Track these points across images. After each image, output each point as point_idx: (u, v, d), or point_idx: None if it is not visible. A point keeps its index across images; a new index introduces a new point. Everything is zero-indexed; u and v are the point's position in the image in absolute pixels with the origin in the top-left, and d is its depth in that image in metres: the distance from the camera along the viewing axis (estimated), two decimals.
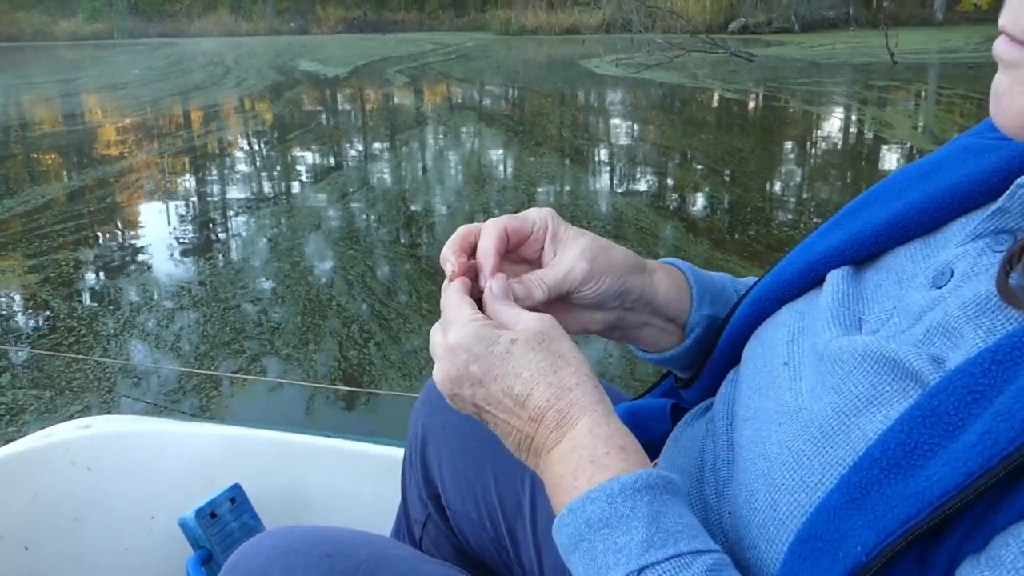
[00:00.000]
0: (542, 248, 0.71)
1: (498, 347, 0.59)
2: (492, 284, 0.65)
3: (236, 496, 1.31)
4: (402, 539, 1.07)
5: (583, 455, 0.55)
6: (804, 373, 0.58)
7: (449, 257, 0.67)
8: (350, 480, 1.36)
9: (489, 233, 0.68)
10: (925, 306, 0.54)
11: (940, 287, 0.55)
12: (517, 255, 0.71)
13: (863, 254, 0.64)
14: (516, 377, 0.58)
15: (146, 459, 1.35)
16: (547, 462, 0.57)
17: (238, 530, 1.28)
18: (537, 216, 0.70)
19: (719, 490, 0.61)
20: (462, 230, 0.69)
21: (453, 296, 0.63)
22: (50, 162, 7.99)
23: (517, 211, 0.72)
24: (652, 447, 0.83)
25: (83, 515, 1.32)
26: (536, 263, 0.71)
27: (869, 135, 8.43)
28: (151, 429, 1.38)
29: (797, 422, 0.54)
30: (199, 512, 1.25)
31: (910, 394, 0.49)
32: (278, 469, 1.37)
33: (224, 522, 1.27)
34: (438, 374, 0.61)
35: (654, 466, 0.72)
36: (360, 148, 8.46)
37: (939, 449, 0.43)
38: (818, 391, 0.55)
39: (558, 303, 0.70)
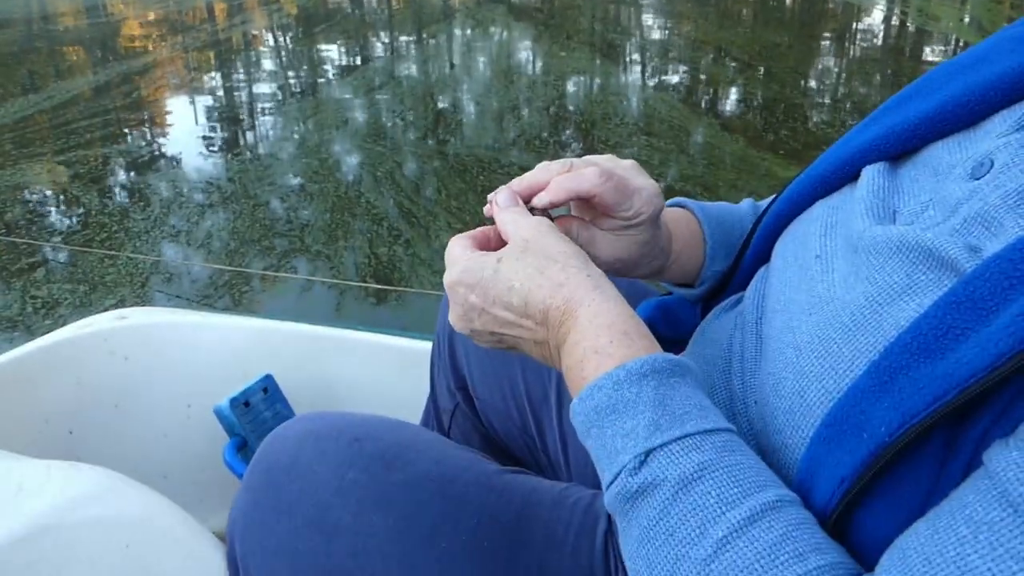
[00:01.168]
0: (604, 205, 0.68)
1: (486, 271, 0.59)
2: (497, 197, 0.65)
3: (268, 386, 1.34)
4: (431, 428, 1.09)
5: (587, 346, 0.55)
6: (836, 265, 0.57)
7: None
8: (379, 372, 1.39)
9: (581, 180, 0.65)
10: (962, 197, 0.53)
11: (978, 178, 0.53)
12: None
13: (900, 149, 0.62)
14: (509, 290, 0.59)
15: (181, 350, 1.39)
16: (561, 358, 0.58)
17: (271, 419, 1.32)
18: (637, 206, 0.67)
19: (745, 380, 0.61)
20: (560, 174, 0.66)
21: (449, 244, 0.64)
22: (74, 56, 7.92)
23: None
24: (682, 343, 0.83)
25: (123, 402, 1.37)
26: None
27: (912, 28, 8.10)
28: (185, 321, 1.40)
29: (828, 312, 0.53)
30: (233, 401, 1.29)
31: (945, 283, 0.48)
32: (309, 361, 1.40)
33: (257, 411, 1.31)
34: (451, 319, 0.63)
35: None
36: (387, 42, 8.28)
37: (971, 333, 0.42)
38: (851, 281, 0.54)
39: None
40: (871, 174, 0.62)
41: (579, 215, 0.70)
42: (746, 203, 0.86)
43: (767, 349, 0.59)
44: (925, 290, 0.48)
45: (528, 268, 0.59)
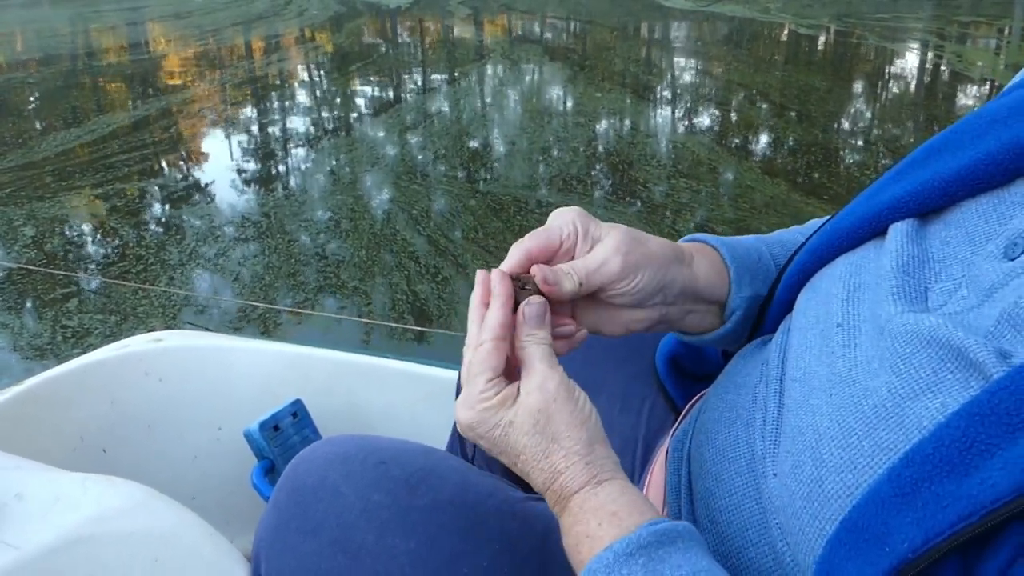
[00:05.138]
0: (575, 252, 0.68)
1: (497, 430, 0.61)
2: (525, 309, 0.63)
3: (298, 411, 1.35)
4: (455, 455, 1.10)
5: (580, 531, 0.57)
6: (860, 341, 0.56)
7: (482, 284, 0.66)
8: (406, 399, 1.40)
9: (512, 258, 0.66)
10: (996, 281, 0.51)
11: (1012, 259, 0.52)
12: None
13: (930, 206, 0.60)
14: (516, 457, 0.61)
15: (214, 373, 1.41)
16: (560, 531, 0.60)
17: (300, 443, 1.33)
18: (562, 222, 0.67)
19: (766, 444, 0.60)
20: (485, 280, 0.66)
21: (476, 358, 0.62)
22: (115, 91, 8.13)
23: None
24: (708, 377, 0.83)
25: (156, 423, 1.39)
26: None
27: (950, 73, 8.08)
28: (219, 345, 1.43)
29: (850, 396, 0.52)
30: (263, 424, 1.30)
31: (971, 385, 0.46)
32: (338, 387, 1.42)
33: (286, 435, 1.32)
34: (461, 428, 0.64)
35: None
36: (421, 81, 8.41)
37: (996, 450, 0.41)
38: (875, 367, 0.52)
39: (599, 305, 0.69)
40: (899, 239, 0.60)
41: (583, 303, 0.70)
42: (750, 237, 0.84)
43: (787, 423, 0.58)
44: (950, 389, 0.47)
45: (534, 449, 0.60)
